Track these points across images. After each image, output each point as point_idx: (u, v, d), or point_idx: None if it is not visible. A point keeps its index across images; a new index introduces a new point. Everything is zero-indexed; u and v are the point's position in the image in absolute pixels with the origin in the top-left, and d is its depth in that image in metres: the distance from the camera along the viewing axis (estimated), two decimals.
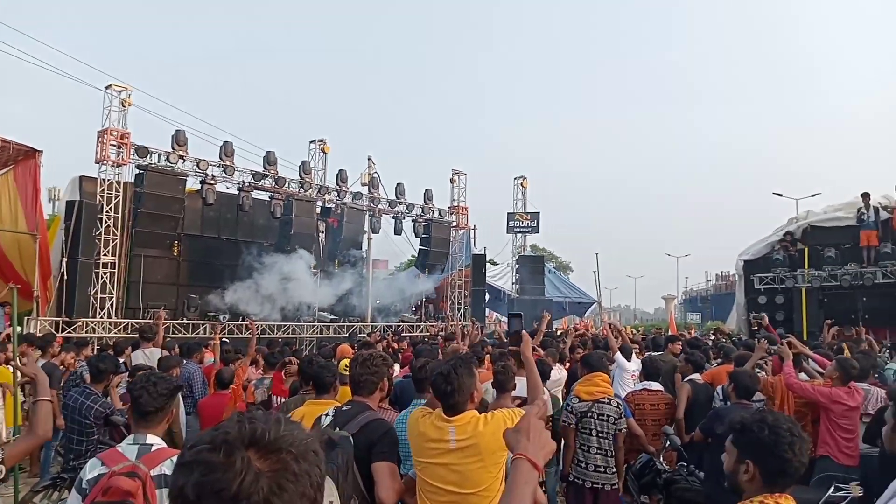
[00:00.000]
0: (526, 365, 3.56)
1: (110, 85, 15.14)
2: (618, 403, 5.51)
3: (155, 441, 2.93)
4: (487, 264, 27.46)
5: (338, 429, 3.32)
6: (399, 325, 20.13)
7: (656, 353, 8.63)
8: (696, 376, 6.58)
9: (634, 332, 19.82)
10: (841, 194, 32.07)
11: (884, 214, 16.58)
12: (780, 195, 33.69)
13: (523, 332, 3.69)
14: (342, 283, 21.35)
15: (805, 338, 12.99)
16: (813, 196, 31.53)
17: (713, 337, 15.63)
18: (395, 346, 11.97)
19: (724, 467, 2.27)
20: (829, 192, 70.25)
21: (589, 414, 5.39)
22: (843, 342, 9.86)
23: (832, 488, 4.76)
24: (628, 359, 7.99)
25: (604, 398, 5.43)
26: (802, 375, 6.49)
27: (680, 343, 9.28)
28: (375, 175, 20.88)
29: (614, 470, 5.37)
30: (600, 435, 5.34)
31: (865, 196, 16.72)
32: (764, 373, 6.73)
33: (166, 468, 2.78)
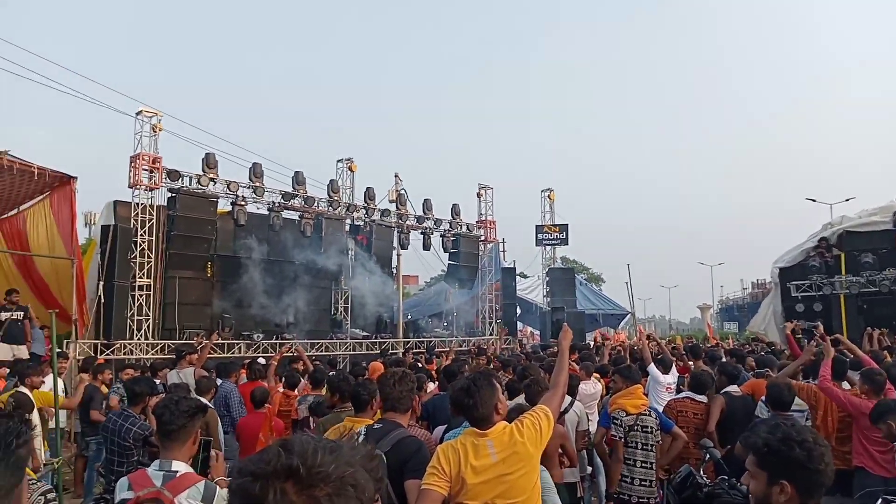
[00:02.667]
0: (560, 354, 3.66)
1: (141, 111, 15.46)
2: (656, 415, 5.45)
3: (180, 468, 2.95)
4: (518, 277, 27.38)
5: (363, 443, 3.32)
6: (431, 341, 20.12)
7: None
8: (732, 388, 6.42)
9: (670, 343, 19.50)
10: (876, 198, 31.40)
11: None
12: (814, 200, 33.16)
13: (564, 323, 3.87)
14: (373, 300, 21.49)
15: None
16: (847, 200, 30.99)
17: (749, 347, 15.34)
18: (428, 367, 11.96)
19: (751, 492, 2.17)
20: (864, 196, 68.83)
21: (635, 427, 5.34)
22: (886, 349, 9.62)
23: (880, 500, 4.62)
24: (667, 371, 7.86)
25: (645, 411, 5.40)
26: (845, 385, 6.33)
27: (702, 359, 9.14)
28: (402, 191, 20.99)
29: (654, 482, 5.31)
30: (645, 447, 5.29)
31: None
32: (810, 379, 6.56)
33: (189, 497, 2.80)
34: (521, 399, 5.69)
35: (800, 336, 12.08)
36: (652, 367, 7.75)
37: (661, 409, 6.43)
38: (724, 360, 8.38)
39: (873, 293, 16.56)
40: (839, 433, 5.79)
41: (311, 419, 6.44)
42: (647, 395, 6.46)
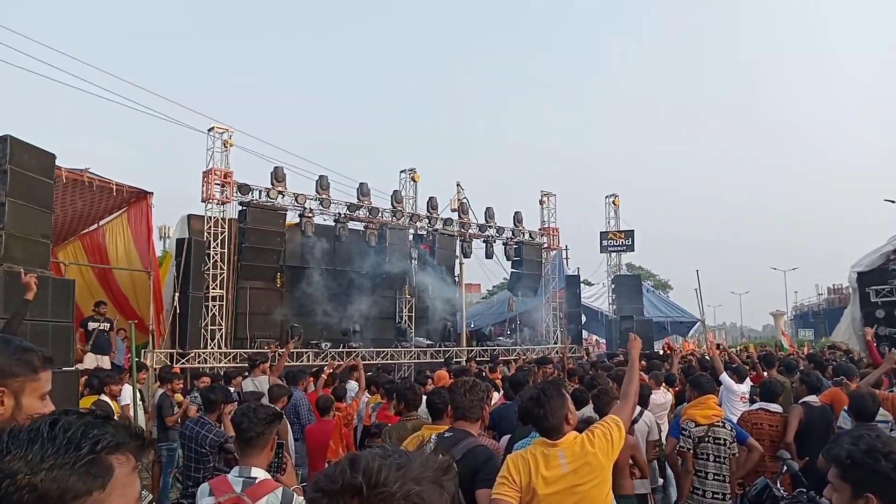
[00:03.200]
0: (630, 363, 3.65)
1: (212, 127, 15.94)
2: (731, 427, 5.30)
3: (259, 474, 3.05)
4: (582, 285, 27.02)
5: (437, 454, 3.35)
6: (495, 350, 20.08)
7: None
8: (811, 398, 6.20)
9: (743, 351, 18.92)
10: None
11: None
12: (893, 202, 31.64)
13: (632, 333, 3.91)
14: (436, 309, 21.59)
15: None
16: None
17: (828, 355, 14.75)
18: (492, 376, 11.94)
19: None
20: None
21: (706, 439, 5.20)
22: None
23: None
24: (741, 380, 7.65)
25: (718, 422, 5.25)
26: None
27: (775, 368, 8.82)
28: (464, 200, 21.06)
29: (730, 496, 5.15)
30: (717, 460, 5.15)
31: None
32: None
33: (268, 503, 2.89)
34: (588, 409, 5.64)
35: (882, 343, 11.55)
36: (724, 377, 7.55)
37: (735, 420, 6.27)
38: (801, 368, 8.08)
39: None
40: None
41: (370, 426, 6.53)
42: (720, 405, 6.29)
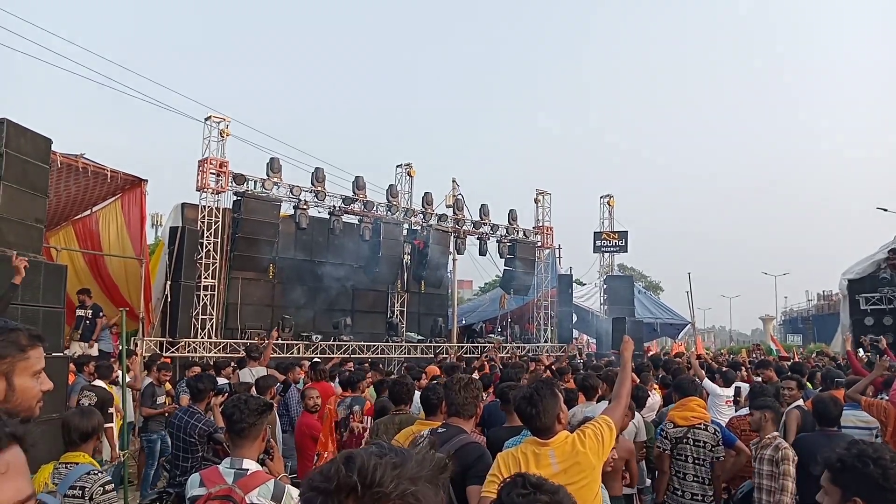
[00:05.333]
0: (623, 364, 3.67)
1: (209, 116, 15.92)
2: (715, 430, 5.31)
3: (250, 466, 3.04)
4: (574, 285, 27.08)
5: (433, 451, 3.37)
6: (485, 347, 20.12)
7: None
8: (802, 402, 6.24)
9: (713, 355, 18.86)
10: None
11: None
12: (885, 210, 31.84)
13: (625, 335, 3.90)
14: (428, 304, 21.62)
15: None
16: None
17: (814, 362, 14.84)
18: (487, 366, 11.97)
19: None
20: None
21: (685, 440, 5.22)
22: None
23: None
24: (728, 384, 7.70)
25: (700, 424, 5.26)
26: None
27: (772, 369, 8.86)
28: (460, 197, 21.06)
29: (712, 498, 5.18)
30: (697, 462, 5.16)
31: None
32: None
33: (260, 495, 2.89)
34: (579, 409, 5.67)
35: (870, 353, 11.62)
36: (707, 382, 7.61)
37: (723, 423, 6.30)
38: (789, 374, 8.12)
39: None
40: None
41: (351, 418, 6.52)
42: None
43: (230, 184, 15.85)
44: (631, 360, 3.70)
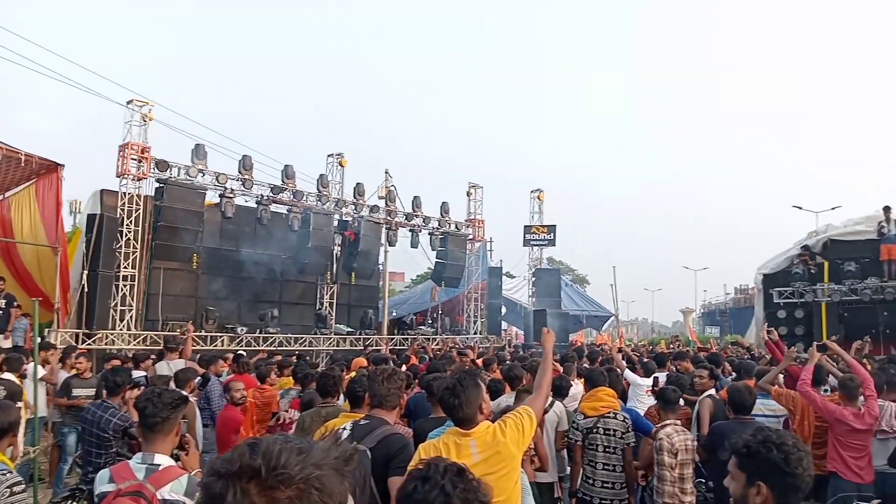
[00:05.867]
0: (543, 356, 3.73)
1: (132, 100, 15.35)
2: (624, 417, 5.42)
3: (163, 461, 2.94)
4: (504, 277, 27.41)
5: (355, 443, 3.36)
6: (416, 339, 20.14)
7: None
8: (714, 392, 6.47)
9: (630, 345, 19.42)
10: (862, 207, 31.86)
11: None
12: (800, 208, 33.50)
13: (545, 327, 3.95)
14: (358, 296, 21.45)
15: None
16: (833, 209, 31.38)
17: (730, 352, 15.47)
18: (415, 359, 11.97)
19: (731, 493, 2.21)
20: (850, 205, 69.56)
21: (595, 430, 5.32)
22: (865, 357, 9.71)
23: None
24: (648, 375, 7.93)
25: (609, 413, 5.37)
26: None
27: (689, 361, 9.21)
28: (392, 188, 20.99)
29: (624, 485, 5.29)
30: (607, 450, 5.27)
31: (886, 209, 16.53)
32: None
33: (172, 491, 2.80)
34: (504, 398, 5.72)
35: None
36: (628, 373, 7.84)
37: (642, 412, 6.48)
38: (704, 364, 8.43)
39: (854, 302, 16.70)
40: (815, 438, 5.86)
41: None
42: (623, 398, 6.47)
43: (152, 170, 15.33)
44: (552, 351, 3.75)
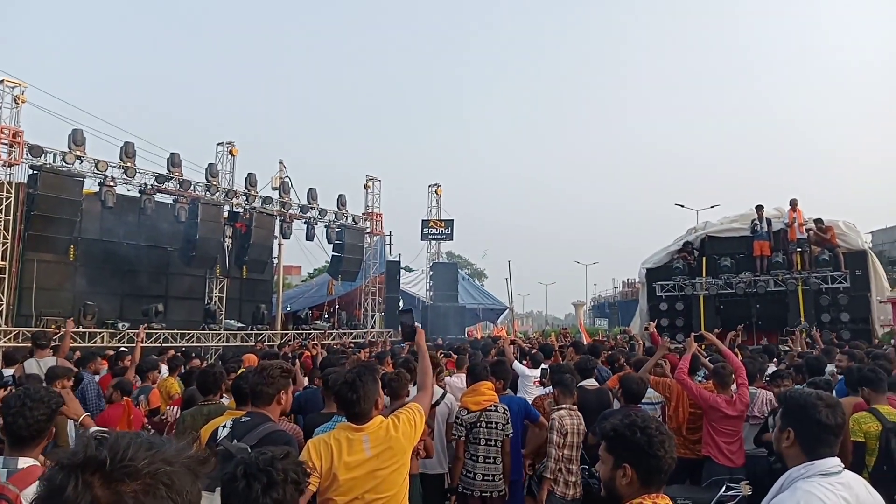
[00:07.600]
0: (420, 353, 3.78)
1: (2, 80, 14.36)
2: (504, 409, 5.51)
3: (27, 463, 2.75)
4: (402, 271, 27.48)
5: (235, 440, 3.27)
6: (311, 333, 19.81)
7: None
8: (586, 382, 6.63)
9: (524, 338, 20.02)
10: (738, 206, 34.05)
11: (776, 225, 17.53)
12: (682, 206, 35.40)
13: (417, 325, 4.02)
14: (250, 290, 20.88)
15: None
16: (712, 207, 33.33)
17: (614, 342, 16.10)
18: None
19: (601, 475, 2.30)
20: (729, 204, 74.18)
21: (478, 424, 5.39)
22: (738, 347, 10.37)
23: (724, 488, 5.00)
24: (536, 366, 8.13)
25: (491, 406, 5.45)
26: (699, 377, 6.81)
27: (572, 350, 9.59)
28: (286, 179, 20.55)
29: (501, 476, 5.39)
30: (489, 443, 5.36)
31: (759, 208, 17.64)
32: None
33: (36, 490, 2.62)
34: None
35: (664, 333, 12.80)
36: (517, 364, 8.04)
37: (530, 401, 6.64)
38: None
39: (729, 294, 17.74)
40: (690, 424, 6.22)
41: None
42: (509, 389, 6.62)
43: (25, 156, 14.33)
44: (425, 347, 3.80)
